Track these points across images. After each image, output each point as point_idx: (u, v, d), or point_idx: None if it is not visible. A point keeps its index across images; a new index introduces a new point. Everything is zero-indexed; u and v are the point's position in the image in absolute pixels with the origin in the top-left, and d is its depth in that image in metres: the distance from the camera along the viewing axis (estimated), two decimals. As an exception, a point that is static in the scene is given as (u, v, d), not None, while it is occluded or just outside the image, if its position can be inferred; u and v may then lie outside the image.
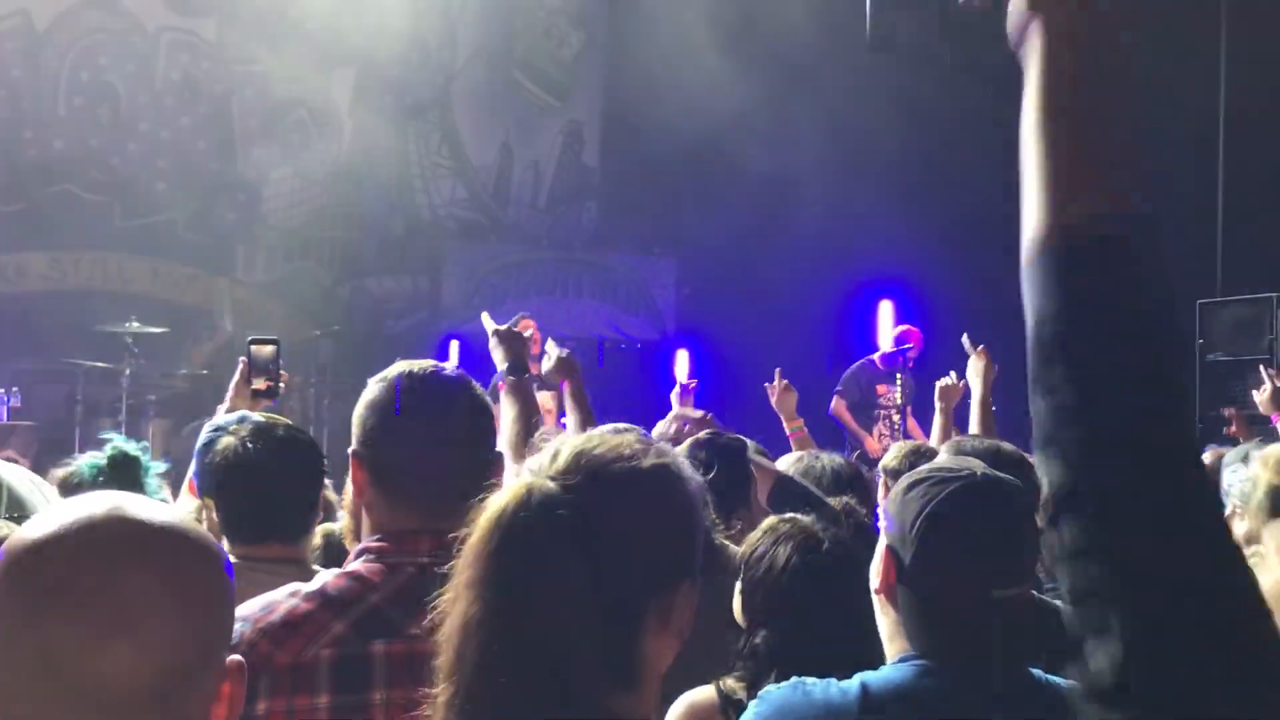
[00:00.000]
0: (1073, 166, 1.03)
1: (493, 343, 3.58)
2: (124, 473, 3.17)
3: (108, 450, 3.24)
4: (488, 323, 3.68)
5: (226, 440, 2.80)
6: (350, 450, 2.13)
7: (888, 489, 3.90)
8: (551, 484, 1.38)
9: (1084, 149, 1.03)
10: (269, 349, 3.84)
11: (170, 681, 1.13)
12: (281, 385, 3.89)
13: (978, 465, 2.00)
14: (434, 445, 2.08)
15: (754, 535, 2.63)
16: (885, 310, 10.09)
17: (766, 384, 5.75)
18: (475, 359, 9.52)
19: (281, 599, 1.98)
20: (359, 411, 2.14)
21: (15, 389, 9.99)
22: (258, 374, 3.81)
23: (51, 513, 1.18)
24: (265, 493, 2.72)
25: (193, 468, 3.14)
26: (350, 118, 12.49)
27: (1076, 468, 0.99)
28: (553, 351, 3.96)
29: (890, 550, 1.95)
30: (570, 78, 13.20)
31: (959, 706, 1.84)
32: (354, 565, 2.04)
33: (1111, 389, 0.99)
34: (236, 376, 3.83)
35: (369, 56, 12.35)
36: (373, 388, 2.15)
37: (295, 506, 2.75)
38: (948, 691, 1.86)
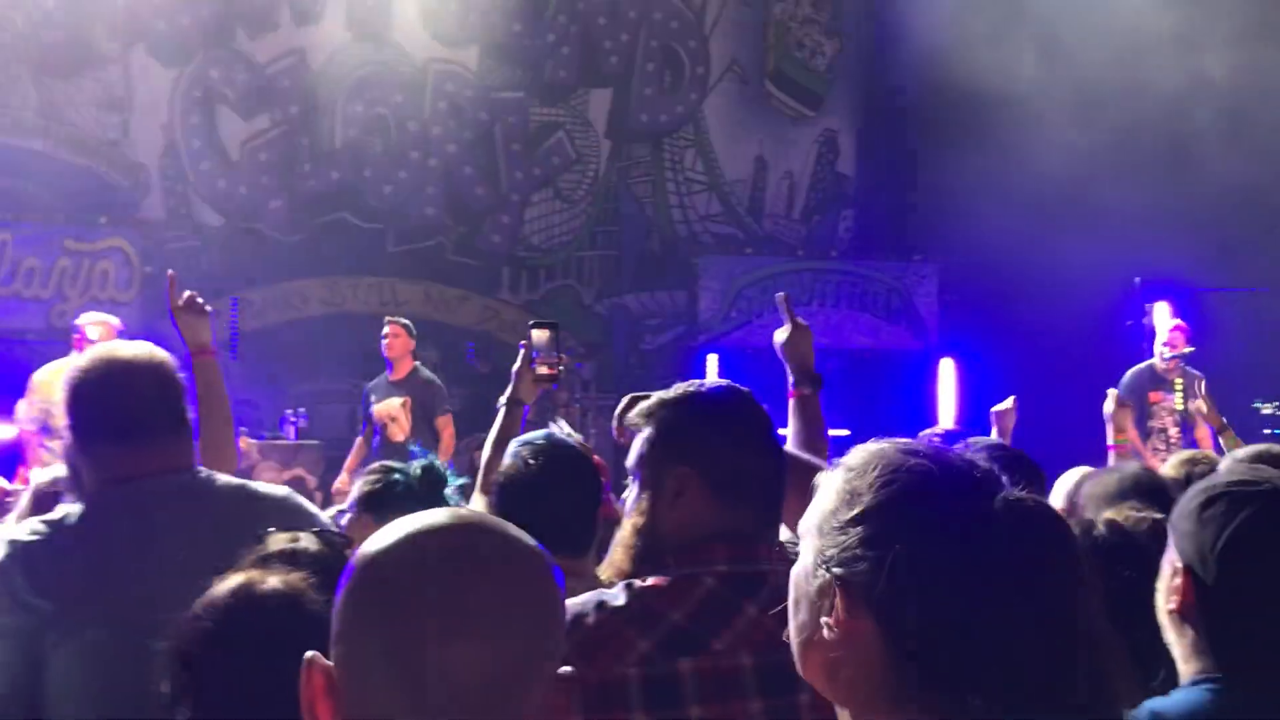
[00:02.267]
0: None
1: (780, 341, 3.26)
2: (433, 485, 3.25)
3: (419, 464, 3.32)
4: (786, 310, 3.30)
5: (507, 460, 2.86)
6: (666, 463, 2.13)
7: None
8: None
9: None
10: (549, 333, 3.70)
11: (503, 681, 1.18)
12: (562, 369, 3.75)
13: (1276, 475, 1.90)
14: (766, 453, 2.15)
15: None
16: (1161, 312, 9.45)
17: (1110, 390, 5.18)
18: (732, 373, 9.53)
19: (587, 612, 1.99)
20: (681, 424, 2.15)
21: (302, 410, 10.54)
22: (538, 358, 3.66)
23: (397, 525, 1.25)
24: (547, 509, 2.75)
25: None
26: (606, 138, 12.72)
27: None
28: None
29: (1188, 569, 1.86)
30: (824, 87, 13.09)
31: None
32: (653, 579, 2.04)
33: None
34: (519, 362, 3.64)
35: (623, 78, 12.56)
36: (691, 402, 2.17)
37: (577, 521, 2.78)
38: (1250, 710, 1.81)
